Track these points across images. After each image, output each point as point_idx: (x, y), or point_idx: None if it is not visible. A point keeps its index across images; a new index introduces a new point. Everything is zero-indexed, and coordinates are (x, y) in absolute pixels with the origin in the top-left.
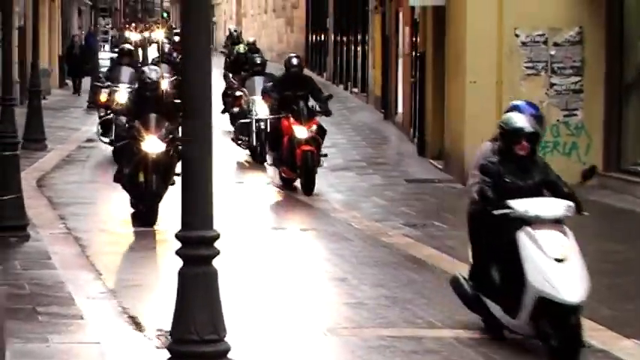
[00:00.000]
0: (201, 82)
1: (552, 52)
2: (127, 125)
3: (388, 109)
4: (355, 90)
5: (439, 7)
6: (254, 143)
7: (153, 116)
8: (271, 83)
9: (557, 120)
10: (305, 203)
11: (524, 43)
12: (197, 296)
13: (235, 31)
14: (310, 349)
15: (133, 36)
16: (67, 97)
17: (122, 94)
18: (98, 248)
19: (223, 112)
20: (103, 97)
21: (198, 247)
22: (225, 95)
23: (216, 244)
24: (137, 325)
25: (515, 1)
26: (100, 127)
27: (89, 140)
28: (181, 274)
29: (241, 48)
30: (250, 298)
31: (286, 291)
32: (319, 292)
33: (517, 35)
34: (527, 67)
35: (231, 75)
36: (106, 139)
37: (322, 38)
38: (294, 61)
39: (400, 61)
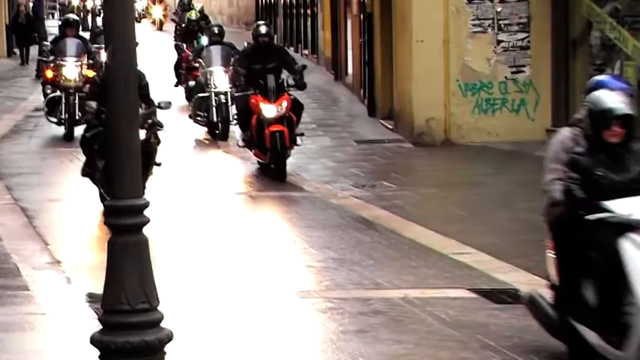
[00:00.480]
0: (126, 52)
1: (498, 9)
2: (96, 111)
3: (338, 70)
4: (306, 52)
5: None
6: (214, 119)
7: None
8: (238, 56)
9: (505, 77)
10: (255, 168)
11: (470, 1)
12: (127, 266)
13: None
14: (256, 314)
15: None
16: (14, 67)
17: (70, 69)
18: (45, 219)
19: (176, 85)
20: (49, 73)
21: (126, 216)
22: (178, 67)
23: (151, 213)
24: (83, 296)
25: None
26: (46, 105)
27: (37, 110)
28: (110, 243)
29: (193, 15)
30: (196, 264)
31: (232, 256)
32: (267, 257)
33: None
34: (473, 25)
35: (185, 45)
36: (54, 119)
37: (272, 0)
38: (263, 29)
39: (349, 22)
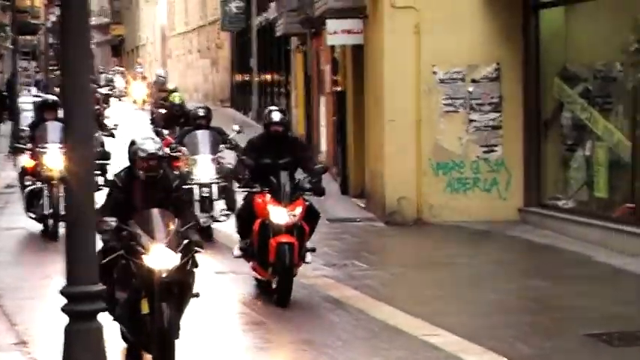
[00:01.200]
0: (82, 142)
1: (470, 89)
2: (116, 229)
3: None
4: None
5: (358, 45)
6: (199, 218)
7: (156, 212)
8: (245, 146)
9: (477, 157)
10: (223, 245)
11: (442, 81)
12: (82, 353)
13: (163, 77)
14: None
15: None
16: None
17: (53, 157)
18: (13, 298)
19: None
20: (28, 162)
21: (82, 302)
22: None
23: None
24: None
25: (432, 38)
26: (25, 199)
27: (8, 186)
28: (66, 331)
29: (177, 98)
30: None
31: (203, 336)
32: (237, 337)
33: (435, 72)
34: (445, 105)
35: (166, 132)
36: (34, 214)
37: (247, 78)
38: (275, 116)
39: (322, 100)
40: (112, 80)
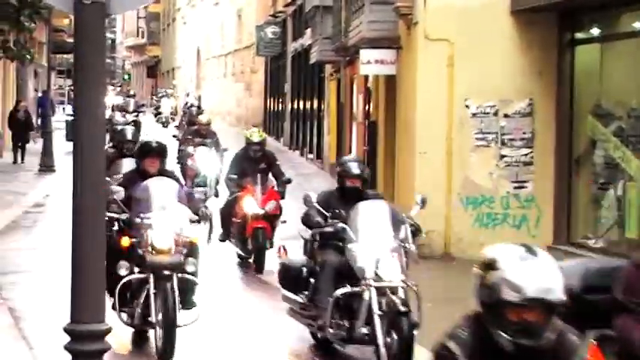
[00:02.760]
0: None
1: (503, 124)
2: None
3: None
4: (311, 156)
5: (391, 75)
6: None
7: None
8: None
9: (507, 192)
10: (254, 276)
11: (474, 114)
12: None
13: (191, 105)
14: None
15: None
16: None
17: (163, 233)
18: (32, 320)
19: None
20: (124, 240)
21: (87, 341)
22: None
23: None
24: None
25: (465, 71)
26: (117, 295)
27: (36, 205)
28: None
29: (204, 119)
30: None
31: None
32: None
33: (467, 106)
34: (477, 139)
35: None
36: (129, 318)
37: (280, 103)
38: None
39: (355, 128)
40: (158, 107)
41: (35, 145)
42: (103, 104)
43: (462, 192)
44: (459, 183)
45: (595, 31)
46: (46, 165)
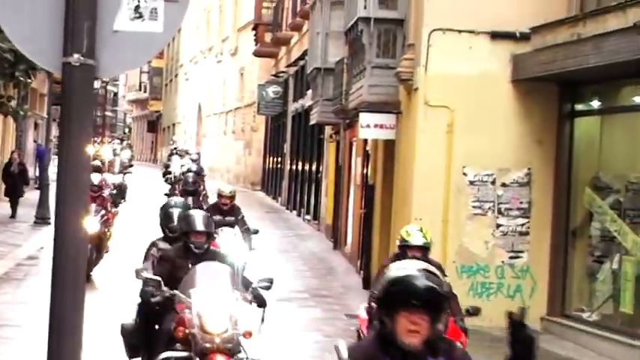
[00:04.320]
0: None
1: (500, 193)
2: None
3: (338, 238)
4: (307, 217)
5: (390, 140)
6: None
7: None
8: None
9: (502, 262)
10: None
11: (472, 182)
12: None
13: (188, 170)
14: None
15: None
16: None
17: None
18: None
19: None
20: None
21: None
22: None
23: None
24: None
25: (464, 139)
26: None
27: (30, 257)
28: None
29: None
30: None
31: None
32: None
33: (465, 174)
34: (474, 207)
35: None
36: None
37: (279, 163)
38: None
39: (352, 191)
40: (168, 165)
41: (31, 197)
42: (88, 169)
43: (457, 260)
44: (454, 251)
45: (595, 103)
46: (42, 217)
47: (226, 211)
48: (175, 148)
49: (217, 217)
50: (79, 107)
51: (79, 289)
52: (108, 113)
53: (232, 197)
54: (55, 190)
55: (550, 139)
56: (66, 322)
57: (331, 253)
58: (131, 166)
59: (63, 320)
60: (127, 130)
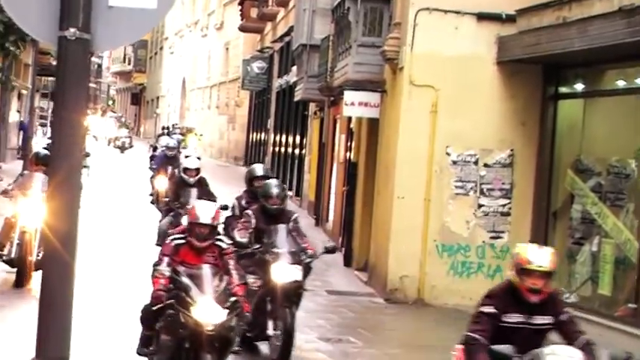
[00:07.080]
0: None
1: (482, 173)
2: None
3: (320, 215)
4: (290, 193)
5: (374, 118)
6: None
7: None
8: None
9: (483, 241)
10: None
11: (454, 162)
12: None
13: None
14: None
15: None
16: None
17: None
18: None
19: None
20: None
21: None
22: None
23: None
24: None
25: (448, 119)
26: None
27: None
28: None
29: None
30: None
31: None
32: None
33: (448, 154)
34: (456, 187)
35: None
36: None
37: (263, 138)
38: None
39: (335, 168)
40: (155, 147)
41: (14, 168)
42: (82, 142)
43: (438, 239)
44: (436, 230)
45: (579, 87)
46: None
47: (192, 184)
48: (168, 128)
49: (183, 190)
50: (74, 81)
51: (68, 263)
52: (91, 85)
53: (198, 170)
54: (49, 162)
55: (533, 121)
56: (56, 295)
57: (313, 229)
58: (132, 146)
59: (53, 294)
60: (110, 102)
